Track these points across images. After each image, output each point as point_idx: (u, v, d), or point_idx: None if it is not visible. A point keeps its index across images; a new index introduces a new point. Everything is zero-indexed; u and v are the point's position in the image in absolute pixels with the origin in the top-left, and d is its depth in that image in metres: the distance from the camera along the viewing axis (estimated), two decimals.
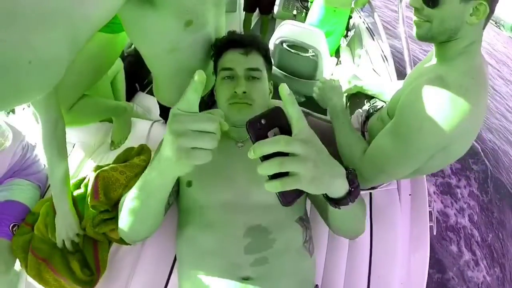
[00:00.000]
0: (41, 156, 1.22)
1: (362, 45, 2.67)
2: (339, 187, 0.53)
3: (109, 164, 1.08)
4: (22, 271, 0.99)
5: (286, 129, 0.47)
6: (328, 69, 2.34)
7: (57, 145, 0.93)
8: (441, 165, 0.95)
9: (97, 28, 0.60)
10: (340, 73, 1.57)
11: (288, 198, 0.46)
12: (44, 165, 1.22)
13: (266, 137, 0.45)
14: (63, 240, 0.96)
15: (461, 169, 3.99)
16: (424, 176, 1.38)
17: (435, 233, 1.25)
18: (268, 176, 0.44)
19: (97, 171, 1.00)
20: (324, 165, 0.46)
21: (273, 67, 2.50)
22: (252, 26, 3.55)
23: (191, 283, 0.80)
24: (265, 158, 0.43)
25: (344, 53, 2.84)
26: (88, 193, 0.98)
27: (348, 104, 1.56)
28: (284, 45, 2.26)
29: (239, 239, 0.79)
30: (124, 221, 0.69)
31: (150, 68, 1.10)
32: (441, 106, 0.77)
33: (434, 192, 3.50)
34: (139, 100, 1.79)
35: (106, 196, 0.95)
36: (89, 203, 0.96)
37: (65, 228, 0.96)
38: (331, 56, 2.59)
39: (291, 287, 0.79)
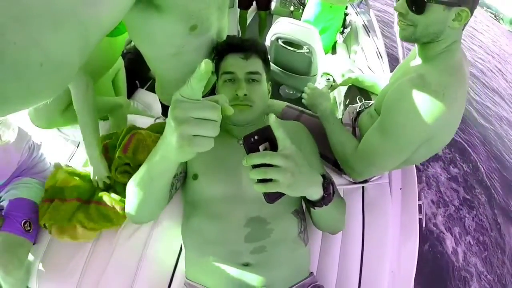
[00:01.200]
0: (46, 155, 1.29)
1: (358, 41, 2.75)
2: (314, 193, 0.70)
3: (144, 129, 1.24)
4: (34, 263, 1.06)
5: (274, 144, 0.61)
6: (322, 66, 2.43)
7: (88, 107, 1.08)
8: (426, 156, 1.04)
9: (107, 31, 0.62)
10: (335, 67, 1.65)
11: (271, 197, 0.61)
12: (50, 162, 1.29)
13: (258, 149, 0.60)
14: (97, 181, 1.16)
15: (471, 200, 3.93)
16: (415, 171, 1.46)
17: (424, 225, 1.34)
18: (257, 179, 0.58)
19: (135, 131, 1.15)
20: (301, 175, 0.60)
21: (270, 64, 2.58)
22: (248, 22, 3.60)
23: (197, 268, 0.89)
24: (256, 165, 0.58)
25: (340, 49, 2.91)
26: (118, 142, 1.15)
27: (346, 102, 1.64)
28: (280, 42, 2.34)
29: (240, 229, 0.87)
30: (130, 203, 0.76)
31: (153, 70, 1.15)
32: (422, 103, 0.86)
33: (446, 229, 3.44)
34: (139, 97, 1.85)
35: (133, 154, 1.11)
36: (117, 152, 1.12)
37: (97, 172, 1.14)
38: (327, 52, 2.66)
39: (287, 274, 0.88)
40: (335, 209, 0.85)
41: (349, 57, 2.77)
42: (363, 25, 2.84)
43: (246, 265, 0.84)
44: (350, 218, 1.20)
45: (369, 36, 2.66)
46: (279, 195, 0.62)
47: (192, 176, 0.94)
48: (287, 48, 2.34)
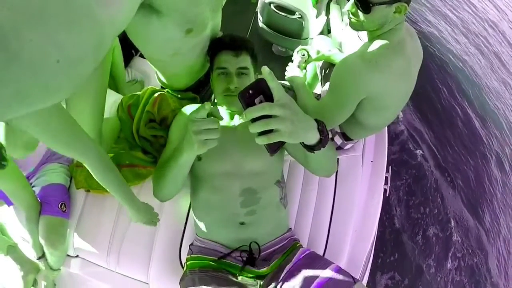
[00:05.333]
0: None
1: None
2: (312, 137, 0.80)
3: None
4: (70, 235, 1.42)
5: (268, 96, 0.69)
6: (316, 29, 2.69)
7: (109, 170, 1.06)
8: (377, 117, 1.40)
9: (120, 31, 0.70)
10: (316, 44, 1.97)
11: (273, 148, 0.72)
12: None
13: (254, 103, 0.68)
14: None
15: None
16: (386, 146, 1.84)
17: (387, 195, 1.75)
18: (257, 133, 0.68)
19: (160, 92, 1.50)
20: (299, 122, 0.72)
21: (262, 24, 2.82)
22: None
23: (204, 227, 1.28)
24: (254, 120, 0.67)
25: (334, 11, 3.13)
26: (140, 101, 1.49)
27: (323, 74, 1.97)
28: (272, 6, 2.57)
29: (236, 197, 1.24)
30: (161, 187, 1.15)
31: (153, 66, 1.41)
32: (356, 68, 1.21)
33: None
34: (136, 65, 2.09)
35: (158, 108, 1.47)
36: (147, 108, 1.46)
37: (148, 216, 1.28)
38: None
39: (271, 229, 1.30)
40: (330, 150, 1.08)
41: (342, 20, 3.00)
42: None
43: (241, 224, 1.24)
44: (324, 185, 1.60)
45: None
46: (280, 145, 0.71)
47: (197, 158, 1.26)
48: (279, 13, 2.58)
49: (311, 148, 0.85)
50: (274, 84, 0.69)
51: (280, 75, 1.88)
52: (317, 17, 2.79)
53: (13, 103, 0.43)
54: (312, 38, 2.73)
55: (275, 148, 0.72)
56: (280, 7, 2.57)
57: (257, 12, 2.88)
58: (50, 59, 0.44)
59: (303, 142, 0.84)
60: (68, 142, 0.90)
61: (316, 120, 0.82)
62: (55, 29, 0.44)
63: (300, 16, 2.55)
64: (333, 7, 3.19)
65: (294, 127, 0.70)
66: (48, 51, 0.44)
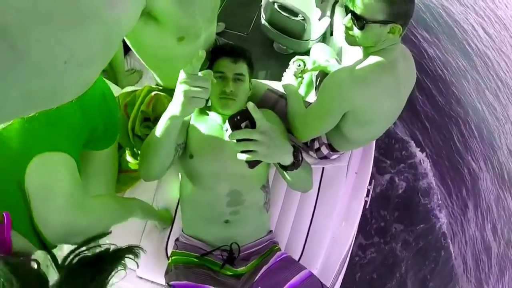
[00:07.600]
0: None
1: None
2: (286, 160, 1.03)
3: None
4: None
5: (253, 122, 0.90)
6: (318, 31, 2.81)
7: (148, 211, 1.48)
8: (360, 131, 1.50)
9: (126, 33, 0.76)
10: (314, 53, 2.09)
11: (252, 164, 0.93)
12: None
13: (240, 127, 0.89)
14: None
15: None
16: (372, 159, 1.98)
17: (367, 207, 1.91)
18: (240, 151, 0.90)
19: (156, 92, 1.59)
20: (274, 147, 0.93)
21: (265, 22, 2.92)
22: None
23: (191, 224, 1.43)
24: (239, 140, 0.88)
25: (338, 14, 3.23)
26: (137, 100, 1.58)
27: (318, 82, 2.09)
28: (275, 6, 2.67)
29: (223, 197, 1.37)
30: (144, 159, 1.19)
31: (148, 67, 1.52)
32: (343, 81, 1.30)
33: None
34: (134, 55, 2.19)
35: (153, 109, 1.55)
36: (141, 108, 1.55)
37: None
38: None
39: (252, 230, 1.44)
40: (304, 172, 1.22)
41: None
42: None
43: (226, 222, 1.37)
44: (306, 193, 1.72)
45: None
46: (257, 162, 0.91)
47: (189, 156, 1.40)
48: (281, 13, 2.69)
49: (285, 168, 1.07)
50: (257, 115, 0.90)
51: (279, 73, 1.99)
52: (320, 19, 2.90)
53: (20, 103, 0.45)
54: (313, 40, 2.84)
55: (253, 164, 0.93)
56: (283, 7, 2.66)
57: (261, 7, 2.97)
58: (58, 59, 0.46)
59: (279, 163, 1.05)
60: (125, 218, 1.19)
61: (293, 146, 1.04)
62: (62, 30, 0.46)
63: (303, 18, 2.65)
64: (338, 10, 3.29)
65: (269, 151, 0.91)
66: (56, 51, 0.45)
